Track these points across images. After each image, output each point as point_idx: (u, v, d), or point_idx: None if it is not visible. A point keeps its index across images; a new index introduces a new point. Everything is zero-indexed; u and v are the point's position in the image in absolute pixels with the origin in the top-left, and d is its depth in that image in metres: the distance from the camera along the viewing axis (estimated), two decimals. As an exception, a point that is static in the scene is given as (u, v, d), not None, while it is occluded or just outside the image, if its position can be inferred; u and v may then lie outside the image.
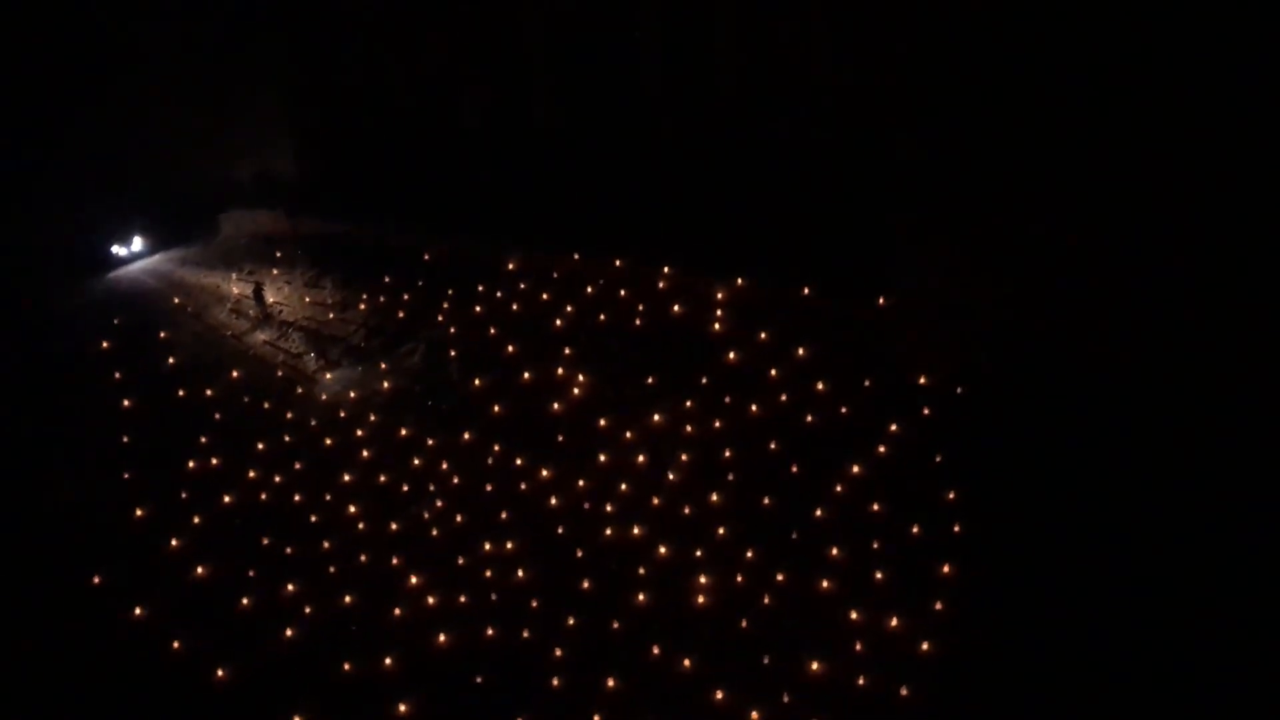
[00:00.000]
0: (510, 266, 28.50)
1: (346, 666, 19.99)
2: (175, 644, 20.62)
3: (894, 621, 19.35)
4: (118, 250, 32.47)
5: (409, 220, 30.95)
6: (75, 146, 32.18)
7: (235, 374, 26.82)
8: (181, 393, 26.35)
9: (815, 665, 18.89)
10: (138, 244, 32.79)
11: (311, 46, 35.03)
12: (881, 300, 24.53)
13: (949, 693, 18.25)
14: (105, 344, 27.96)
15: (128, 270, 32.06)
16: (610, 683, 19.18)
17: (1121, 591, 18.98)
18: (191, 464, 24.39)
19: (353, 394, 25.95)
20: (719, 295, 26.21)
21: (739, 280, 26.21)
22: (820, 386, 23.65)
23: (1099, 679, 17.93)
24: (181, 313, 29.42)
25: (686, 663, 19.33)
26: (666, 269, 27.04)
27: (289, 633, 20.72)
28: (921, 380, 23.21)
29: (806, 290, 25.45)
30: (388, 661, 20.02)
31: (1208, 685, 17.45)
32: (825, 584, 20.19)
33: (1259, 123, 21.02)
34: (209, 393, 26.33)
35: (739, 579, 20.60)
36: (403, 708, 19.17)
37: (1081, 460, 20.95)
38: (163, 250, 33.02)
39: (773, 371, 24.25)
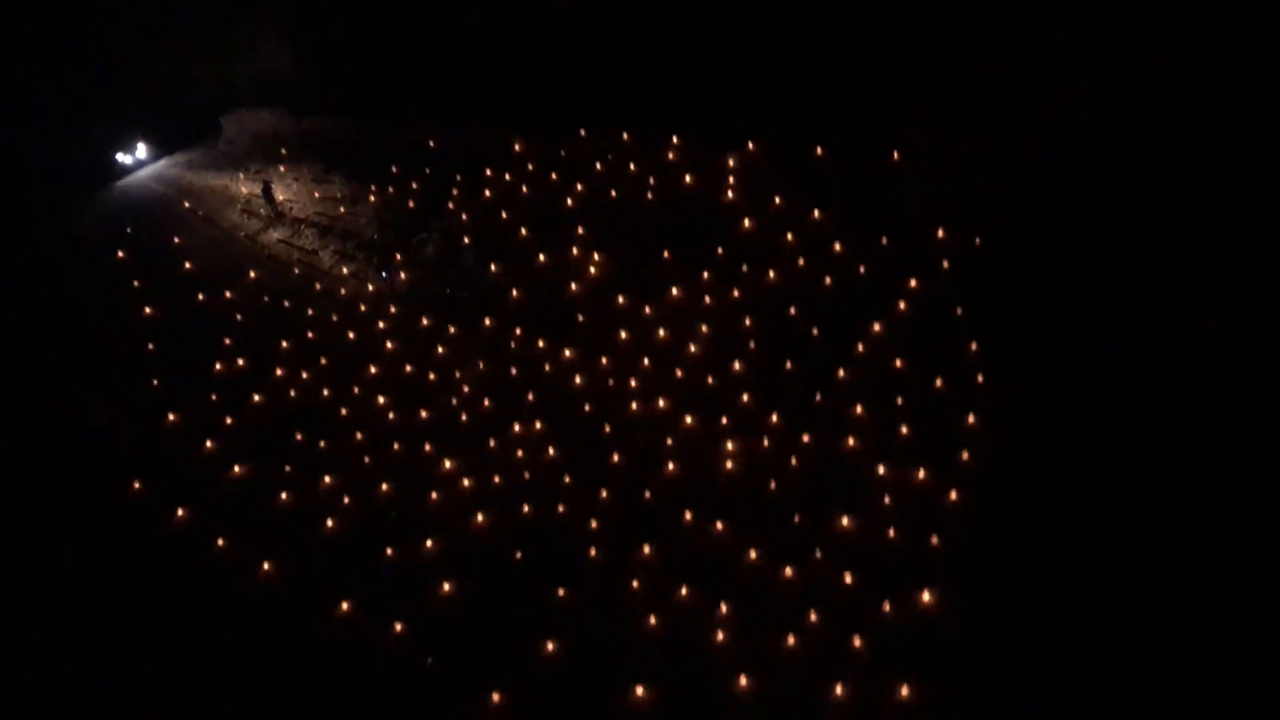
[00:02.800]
0: (517, 148, 28.16)
1: (389, 552, 20.49)
2: (219, 542, 21.11)
3: (921, 474, 19.60)
4: (122, 159, 32.13)
5: (412, 109, 30.47)
6: (71, 56, 31.62)
7: (252, 275, 26.85)
8: (201, 297, 26.43)
9: (845, 521, 19.22)
10: (142, 151, 32.43)
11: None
12: (896, 155, 24.16)
13: (978, 540, 18.58)
14: (120, 254, 27.95)
15: (134, 178, 31.78)
16: (646, 550, 19.62)
17: (1147, 432, 19.13)
18: (218, 367, 24.63)
19: (370, 287, 25.97)
20: (730, 163, 25.89)
21: (750, 145, 25.85)
22: (837, 248, 23.51)
23: (1124, 526, 18.19)
24: (193, 217, 29.28)
25: (719, 526, 19.71)
26: (675, 139, 26.66)
27: (329, 524, 21.19)
28: (940, 234, 23.00)
29: (819, 151, 25.10)
30: (428, 544, 20.50)
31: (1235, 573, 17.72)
32: (851, 442, 20.40)
33: None
34: (228, 295, 26.40)
35: (765, 443, 20.84)
36: (446, 587, 19.70)
37: (1103, 308, 20.88)
38: (167, 156, 32.63)
39: (789, 236, 24.09)
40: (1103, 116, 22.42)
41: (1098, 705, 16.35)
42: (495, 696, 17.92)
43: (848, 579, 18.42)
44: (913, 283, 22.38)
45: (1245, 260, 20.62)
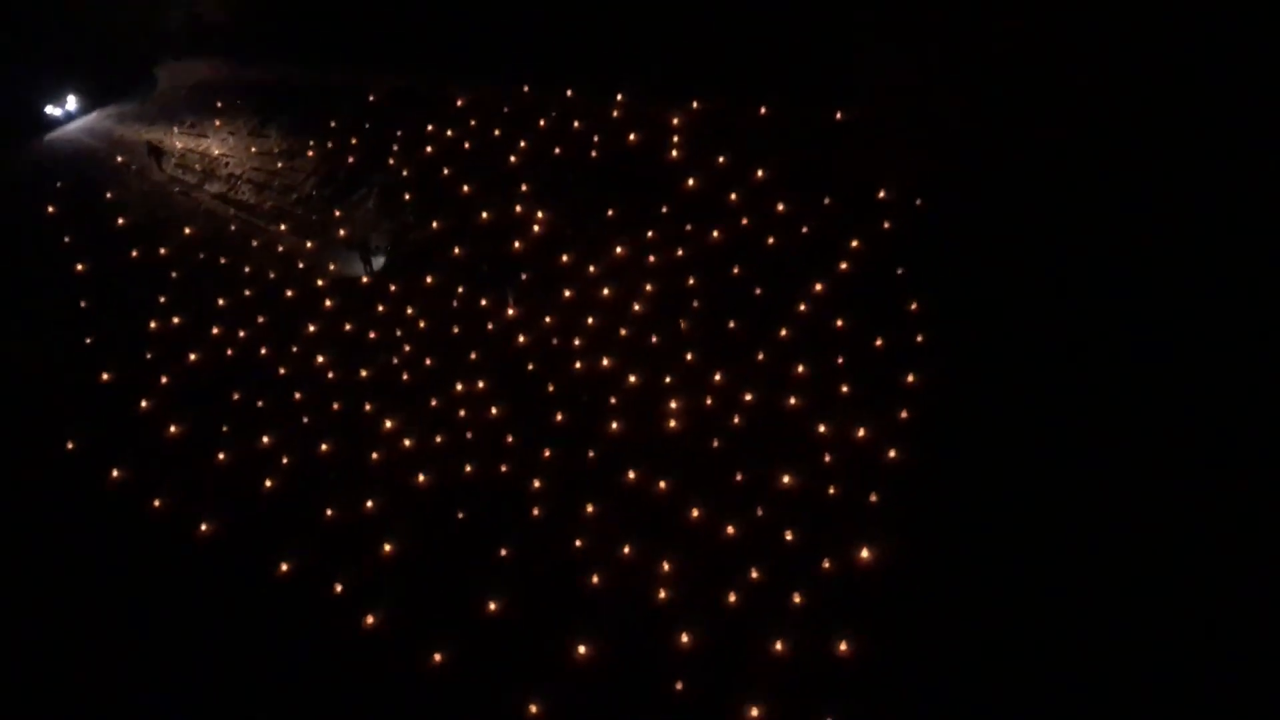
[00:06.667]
0: (459, 103, 27.75)
1: (329, 512, 20.31)
2: (156, 503, 20.82)
3: (861, 432, 19.78)
4: (52, 111, 31.29)
5: (351, 60, 29.88)
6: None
7: (188, 230, 26.32)
8: (135, 253, 25.89)
9: (786, 479, 19.37)
10: (72, 103, 31.60)
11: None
12: (839, 115, 24.15)
13: (916, 496, 18.81)
14: (50, 208, 27.26)
15: (65, 131, 30.99)
16: (589, 509, 19.63)
17: (1081, 394, 19.43)
18: (153, 324, 24.18)
19: (309, 244, 25.56)
20: (674, 121, 25.74)
21: (694, 104, 25.70)
22: (781, 207, 23.50)
23: (1058, 486, 18.49)
24: (126, 171, 28.61)
25: (662, 485, 19.77)
26: (619, 97, 26.43)
27: (268, 483, 20.95)
28: (881, 194, 23.08)
29: (763, 109, 25.02)
30: (369, 504, 20.34)
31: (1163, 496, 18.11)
32: (793, 401, 20.52)
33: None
34: (163, 251, 25.88)
35: (709, 401, 20.90)
36: (387, 547, 19.58)
37: (1041, 266, 21.10)
38: (99, 108, 31.86)
39: (733, 195, 24.05)
40: (1043, 84, 22.55)
41: (1029, 659, 16.70)
42: (437, 656, 17.91)
43: (788, 536, 18.60)
44: (854, 243, 22.46)
45: (1183, 227, 20.94)
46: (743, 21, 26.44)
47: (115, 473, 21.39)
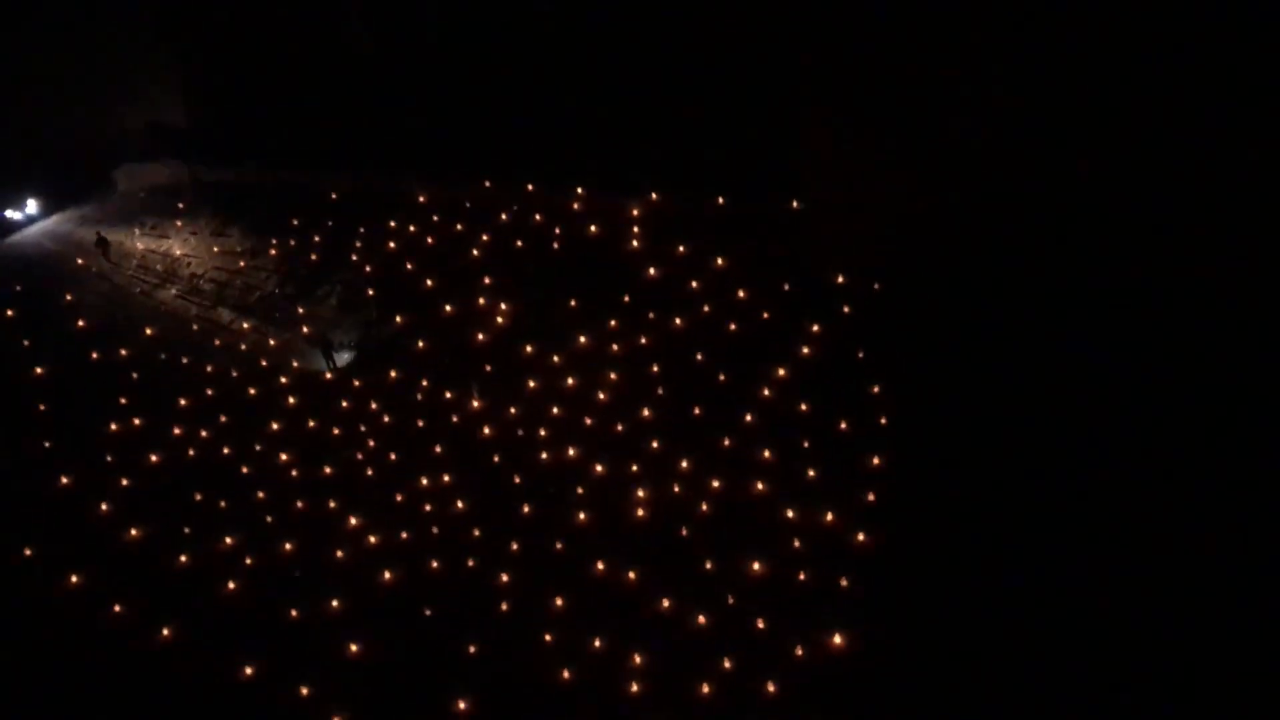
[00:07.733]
0: (420, 199, 28.05)
1: (293, 613, 19.97)
2: (116, 608, 20.39)
3: (829, 516, 19.79)
4: (11, 215, 31.28)
5: (312, 159, 30.19)
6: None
7: (149, 331, 26.21)
8: (95, 355, 25.70)
9: (756, 566, 19.31)
10: (32, 207, 31.63)
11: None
12: (795, 204, 24.62)
13: (887, 580, 18.79)
14: (10, 312, 27.09)
15: (24, 235, 30.97)
16: (558, 602, 19.43)
17: (1046, 470, 19.59)
18: (113, 426, 23.90)
19: (272, 341, 25.52)
20: (634, 212, 26.12)
21: (653, 195, 26.12)
22: (741, 294, 23.80)
23: (1027, 564, 18.56)
24: (85, 273, 28.55)
25: (631, 575, 19.63)
26: (579, 190, 26.83)
27: (231, 585, 20.60)
28: (839, 279, 23.44)
29: (720, 200, 25.47)
30: (334, 604, 20.03)
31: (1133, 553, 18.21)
32: (759, 486, 20.55)
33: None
34: (123, 353, 25.71)
35: (675, 489, 20.87)
36: (354, 648, 19.24)
37: (999, 345, 21.42)
38: (59, 211, 31.92)
39: (693, 284, 24.33)
40: (994, 166, 23.11)
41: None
42: (406, 757, 17.55)
43: (760, 624, 18.47)
44: (815, 327, 22.74)
45: (1134, 298, 21.37)
46: (699, 115, 27.02)
47: (74, 578, 20.97)
